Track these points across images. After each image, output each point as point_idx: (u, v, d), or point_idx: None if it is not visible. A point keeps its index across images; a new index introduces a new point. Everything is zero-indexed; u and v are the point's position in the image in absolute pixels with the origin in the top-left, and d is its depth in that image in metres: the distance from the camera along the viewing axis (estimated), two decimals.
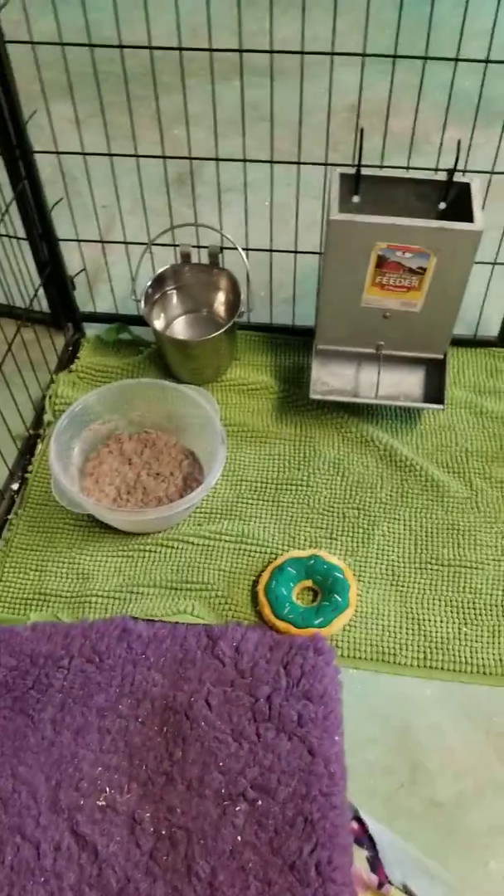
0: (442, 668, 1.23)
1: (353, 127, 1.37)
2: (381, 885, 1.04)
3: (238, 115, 1.32)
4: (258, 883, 1.02)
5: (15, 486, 1.46)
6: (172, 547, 1.36)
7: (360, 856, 1.07)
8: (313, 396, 1.46)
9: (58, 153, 1.39)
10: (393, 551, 1.36)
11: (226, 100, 1.36)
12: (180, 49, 1.26)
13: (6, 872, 1.05)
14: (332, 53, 1.24)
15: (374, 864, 1.06)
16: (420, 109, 1.32)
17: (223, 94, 1.34)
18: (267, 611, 1.26)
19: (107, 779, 1.12)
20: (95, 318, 1.68)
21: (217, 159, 1.37)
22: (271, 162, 1.36)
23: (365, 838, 1.08)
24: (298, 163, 1.35)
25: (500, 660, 1.23)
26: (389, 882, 1.05)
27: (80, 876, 1.04)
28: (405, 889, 1.04)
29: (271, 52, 1.23)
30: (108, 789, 1.11)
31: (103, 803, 1.10)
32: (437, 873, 1.06)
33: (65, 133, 1.43)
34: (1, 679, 1.20)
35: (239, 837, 1.06)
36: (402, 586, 1.32)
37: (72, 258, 1.60)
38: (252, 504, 1.42)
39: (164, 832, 1.07)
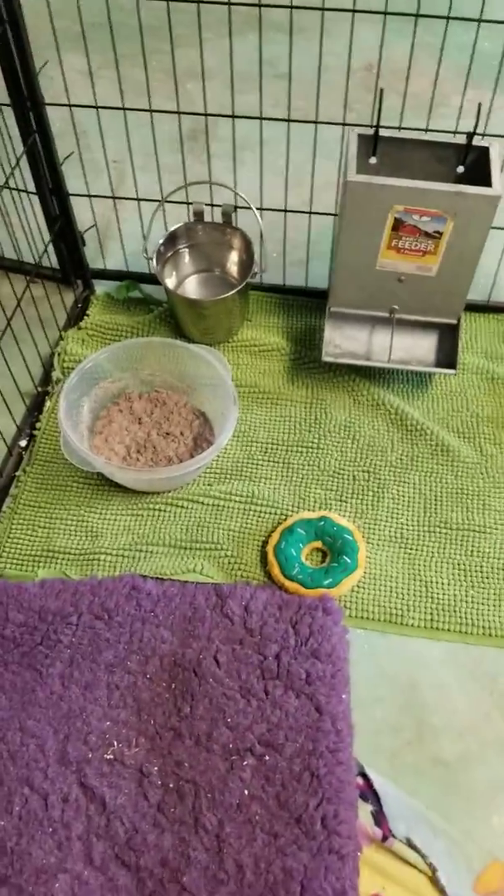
0: (449, 630, 1.24)
1: (369, 87, 1.36)
2: (385, 839, 1.06)
3: (253, 70, 1.30)
4: (264, 835, 1.04)
5: (23, 443, 1.45)
6: (182, 507, 1.36)
7: (364, 810, 1.08)
8: (325, 359, 1.46)
9: (70, 106, 1.37)
10: (402, 514, 1.36)
11: (241, 55, 1.34)
12: (198, 1, 1.23)
13: (14, 822, 1.06)
14: (353, 11, 1.22)
15: (379, 818, 1.08)
16: (439, 71, 1.30)
17: (239, 50, 1.31)
18: (276, 571, 1.27)
19: (115, 733, 1.13)
20: (105, 275, 1.67)
21: (233, 116, 1.35)
22: (288, 120, 1.34)
23: (370, 793, 1.10)
24: (316, 122, 1.33)
25: None
26: (393, 836, 1.07)
27: (87, 826, 1.06)
28: (409, 842, 1.06)
29: (291, 7, 1.20)
30: (115, 743, 1.12)
31: (111, 757, 1.11)
32: (441, 827, 1.08)
33: (75, 85, 1.41)
34: (9, 635, 1.21)
35: (246, 791, 1.07)
36: (411, 549, 1.32)
37: (82, 214, 1.58)
38: (262, 465, 1.42)
39: (171, 785, 1.09)
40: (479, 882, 1.05)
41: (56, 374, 1.53)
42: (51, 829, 1.06)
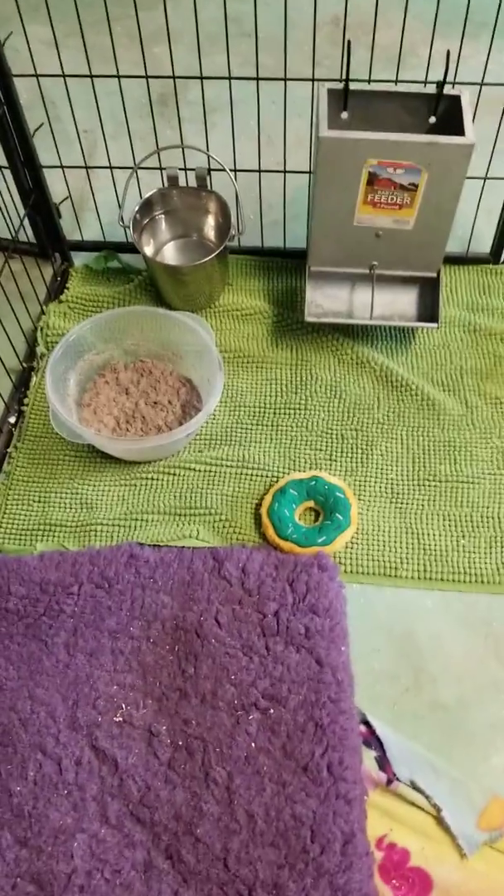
0: (442, 580, 1.27)
1: (337, 41, 1.35)
2: (389, 782, 1.10)
3: (219, 30, 1.29)
4: (273, 785, 1.08)
5: (12, 420, 1.46)
6: (174, 474, 1.38)
7: (368, 756, 1.12)
8: (308, 319, 1.47)
9: (37, 76, 1.35)
10: (391, 469, 1.38)
11: (206, 15, 1.32)
12: None
13: (30, 787, 1.09)
14: None
15: (382, 763, 1.12)
16: (406, 21, 1.29)
17: (204, 9, 1.30)
18: (271, 532, 1.29)
19: (122, 696, 1.16)
20: (83, 246, 1.66)
21: (201, 77, 1.34)
22: (257, 79, 1.33)
23: (373, 740, 1.13)
24: (285, 79, 1.32)
25: (498, 569, 1.27)
26: (397, 779, 1.10)
27: (101, 787, 1.09)
28: (412, 784, 1.10)
29: None
30: (124, 706, 1.15)
31: (120, 719, 1.14)
32: (442, 769, 1.11)
33: (40, 56, 1.39)
34: (13, 607, 1.23)
35: (253, 744, 1.11)
36: (402, 503, 1.35)
37: (55, 185, 1.57)
38: (251, 429, 1.43)
39: (180, 743, 1.12)
40: (482, 818, 1.09)
41: (40, 349, 1.54)
42: (66, 792, 1.09)
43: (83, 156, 1.55)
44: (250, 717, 1.12)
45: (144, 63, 1.35)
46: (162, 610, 1.22)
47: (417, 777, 1.11)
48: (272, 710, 1.12)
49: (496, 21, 1.27)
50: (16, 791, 1.09)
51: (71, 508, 1.36)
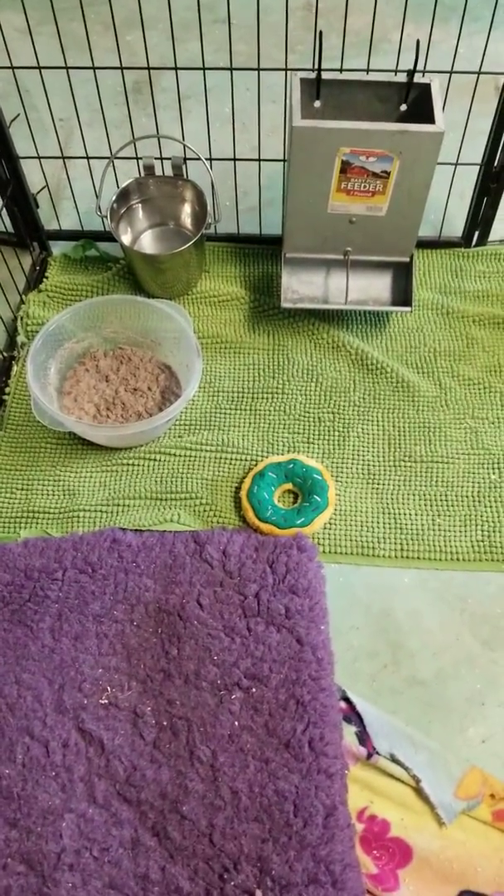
0: (418, 558, 1.30)
1: (310, 26, 1.36)
2: (369, 756, 1.13)
3: (192, 17, 1.29)
4: (256, 762, 1.10)
5: None
6: (155, 459, 1.40)
7: (349, 731, 1.15)
8: (284, 305, 1.48)
9: (13, 68, 1.36)
10: (368, 451, 1.41)
11: (178, 1, 1.33)
12: None
13: (19, 770, 1.12)
14: None
15: (363, 737, 1.15)
16: (378, 6, 1.30)
17: None
18: (250, 514, 1.32)
19: (107, 679, 1.18)
20: (61, 235, 1.67)
21: (176, 68, 1.35)
22: (231, 69, 1.34)
23: (353, 715, 1.17)
24: (258, 69, 1.33)
25: (472, 546, 1.30)
26: (377, 753, 1.14)
27: (88, 768, 1.12)
28: (392, 758, 1.13)
29: None
30: (109, 688, 1.17)
31: (106, 701, 1.16)
32: (421, 742, 1.15)
33: (13, 43, 1.39)
34: None
35: (236, 723, 1.13)
36: (378, 484, 1.37)
37: (32, 175, 1.57)
38: (230, 414, 1.45)
39: (165, 723, 1.14)
40: (459, 788, 1.12)
41: (20, 339, 1.55)
42: (53, 773, 1.11)
43: (59, 145, 1.55)
44: (233, 696, 1.15)
45: (119, 53, 1.36)
46: (145, 593, 1.25)
47: (397, 750, 1.14)
48: (254, 689, 1.15)
49: (465, 6, 1.28)
50: (4, 774, 1.11)
51: (53, 495, 1.37)
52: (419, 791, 1.12)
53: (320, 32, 1.21)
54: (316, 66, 1.26)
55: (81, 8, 1.29)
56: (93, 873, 1.05)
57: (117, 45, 1.35)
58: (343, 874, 1.03)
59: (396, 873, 1.07)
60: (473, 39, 1.36)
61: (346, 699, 1.18)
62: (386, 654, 1.22)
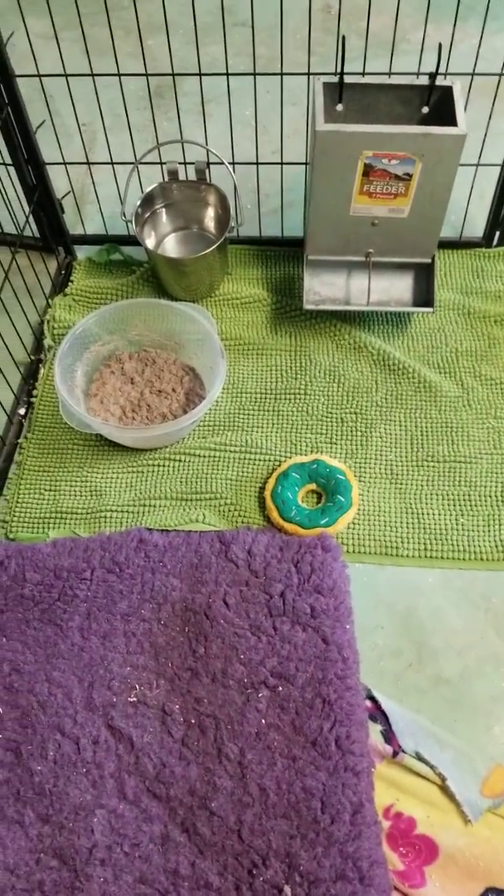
0: (442, 557, 1.31)
1: (328, 28, 1.37)
2: (395, 754, 1.15)
3: (213, 20, 1.30)
4: (283, 759, 1.12)
5: (22, 411, 1.50)
6: (180, 460, 1.42)
7: (374, 730, 1.16)
8: (307, 307, 1.50)
9: (39, 76, 1.37)
10: (391, 451, 1.42)
11: (200, 5, 1.34)
12: None
13: (51, 766, 1.14)
14: None
15: (388, 736, 1.16)
16: (399, 6, 1.31)
17: (196, 0, 1.32)
18: (275, 514, 1.33)
19: (136, 677, 1.20)
20: (86, 240, 1.69)
21: (200, 74, 1.36)
22: (254, 74, 1.36)
23: (378, 714, 1.18)
24: (281, 73, 1.35)
25: (496, 546, 1.31)
26: (403, 751, 1.15)
27: (118, 765, 1.14)
28: (417, 755, 1.15)
29: None
30: (137, 686, 1.19)
31: (134, 699, 1.18)
32: (446, 740, 1.16)
33: (37, 49, 1.41)
34: (28, 594, 1.27)
35: (263, 720, 1.15)
36: (401, 484, 1.39)
37: (57, 180, 1.59)
38: (253, 415, 1.47)
39: (193, 721, 1.16)
40: (485, 785, 1.13)
41: (47, 342, 1.57)
42: (84, 770, 1.13)
43: (84, 149, 1.57)
44: (260, 694, 1.17)
45: (144, 59, 1.37)
46: (172, 592, 1.26)
47: (422, 748, 1.15)
48: (281, 688, 1.17)
49: (488, 7, 1.29)
50: (37, 770, 1.13)
51: (81, 496, 1.39)
52: (445, 789, 1.13)
53: (343, 37, 1.22)
54: (339, 70, 1.27)
55: (107, 12, 1.31)
56: (124, 868, 1.07)
57: (142, 49, 1.37)
58: (370, 871, 1.04)
59: (423, 870, 1.09)
60: (493, 38, 1.37)
61: (372, 698, 1.19)
62: (411, 653, 1.24)
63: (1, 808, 1.11)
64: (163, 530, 1.33)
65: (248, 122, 1.47)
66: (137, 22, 1.34)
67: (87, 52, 1.37)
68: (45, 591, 1.27)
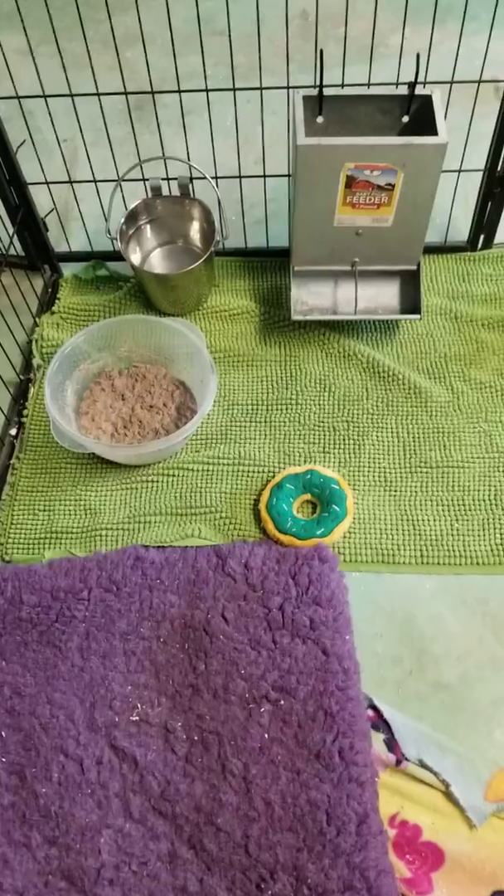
0: (438, 563, 1.32)
1: (306, 35, 1.37)
2: (399, 763, 1.15)
3: (190, 29, 1.30)
4: (288, 773, 1.13)
5: (13, 432, 1.50)
6: (174, 475, 1.42)
7: (377, 739, 1.17)
8: (295, 317, 1.50)
9: (18, 98, 1.37)
10: (384, 458, 1.43)
11: (177, 15, 1.34)
12: None
13: (56, 788, 1.14)
14: None
15: (391, 744, 1.17)
16: (377, 10, 1.31)
17: (174, 10, 1.32)
18: (270, 526, 1.34)
19: (137, 696, 1.20)
20: (71, 257, 1.69)
21: (179, 91, 1.36)
22: (234, 90, 1.36)
23: (381, 723, 1.19)
24: (261, 88, 1.35)
25: (492, 550, 1.32)
26: (406, 759, 1.16)
27: (123, 784, 1.14)
28: (421, 763, 1.15)
29: None
30: (139, 705, 1.20)
31: (136, 718, 1.19)
32: (448, 746, 1.16)
33: (14, 66, 1.40)
34: (26, 616, 1.27)
35: (266, 735, 1.15)
36: (395, 491, 1.39)
37: (40, 197, 1.59)
38: (245, 427, 1.47)
39: (196, 738, 1.16)
40: (489, 790, 1.14)
41: (36, 361, 1.57)
42: (89, 791, 1.14)
43: (66, 166, 1.57)
44: (262, 709, 1.17)
45: (122, 74, 1.37)
46: (170, 609, 1.27)
47: (425, 755, 1.16)
48: (282, 702, 1.17)
49: (465, 9, 1.28)
50: (42, 793, 1.13)
51: (75, 515, 1.40)
52: (449, 795, 1.13)
53: (321, 51, 1.23)
54: (317, 83, 1.27)
55: (82, 26, 1.30)
56: (133, 887, 1.07)
57: (119, 63, 1.37)
58: (378, 880, 1.05)
59: (430, 877, 1.09)
60: (471, 40, 1.37)
61: (374, 707, 1.20)
62: (410, 660, 1.24)
63: (8, 831, 1.12)
64: (159, 547, 1.34)
65: (229, 132, 1.47)
66: (113, 35, 1.34)
67: (65, 69, 1.37)
68: (42, 613, 1.27)
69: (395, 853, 1.10)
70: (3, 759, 1.16)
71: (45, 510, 1.40)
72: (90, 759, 1.16)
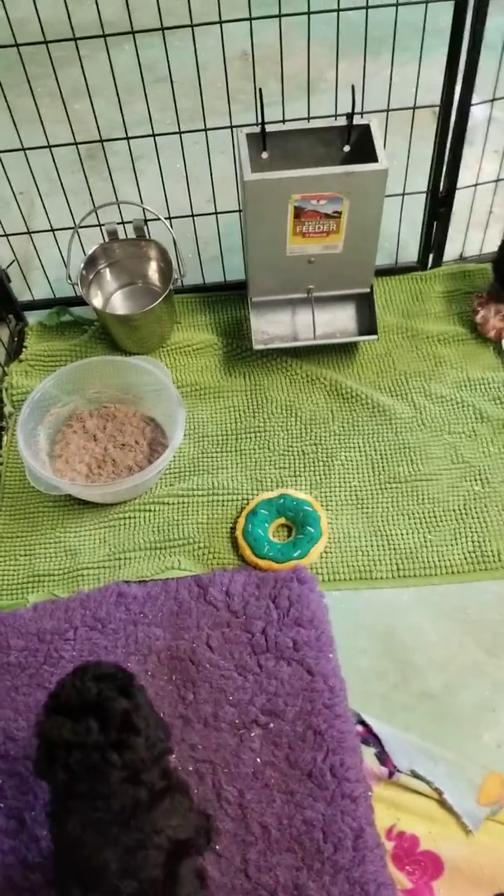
0: (415, 575, 1.35)
1: (246, 76, 1.41)
2: (391, 775, 1.17)
3: (133, 79, 1.35)
4: (282, 795, 1.14)
5: None
6: (150, 510, 1.44)
7: (368, 753, 1.19)
8: (256, 347, 1.54)
9: None
10: (354, 477, 1.46)
11: (121, 65, 1.39)
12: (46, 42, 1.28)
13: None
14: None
15: (382, 757, 1.19)
16: (310, 47, 1.36)
17: (118, 61, 1.36)
18: (248, 553, 1.36)
19: None
20: (34, 305, 1.72)
21: (127, 138, 1.41)
22: (179, 133, 1.41)
23: (370, 737, 1.20)
24: (205, 129, 1.40)
25: (465, 558, 1.35)
26: (398, 770, 1.17)
27: None
28: (413, 773, 1.17)
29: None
30: None
31: None
32: (438, 754, 1.18)
33: None
34: (14, 661, 1.28)
35: (258, 759, 1.17)
36: (368, 508, 1.42)
37: (0, 250, 1.63)
38: (216, 457, 1.50)
39: (190, 768, 1.18)
40: (481, 794, 1.16)
41: (7, 409, 1.59)
42: None
43: (23, 217, 1.60)
44: (252, 733, 1.19)
45: (71, 126, 1.42)
46: (155, 642, 1.28)
47: (416, 765, 1.18)
48: (272, 724, 1.19)
49: (394, 41, 1.33)
50: (42, 836, 1.14)
51: (56, 557, 1.41)
52: (443, 803, 1.15)
53: (260, 90, 1.27)
54: (260, 121, 1.32)
55: (29, 83, 1.35)
56: None
57: (67, 115, 1.41)
58: (377, 893, 1.06)
59: (431, 885, 1.11)
60: (405, 69, 1.43)
61: (362, 722, 1.22)
62: (394, 672, 1.27)
63: (10, 876, 1.12)
64: (140, 581, 1.36)
65: (179, 173, 1.51)
66: (59, 89, 1.38)
67: (15, 124, 1.41)
68: (30, 656, 1.29)
69: (394, 865, 1.12)
70: (1, 805, 1.17)
71: (25, 555, 1.42)
72: None
